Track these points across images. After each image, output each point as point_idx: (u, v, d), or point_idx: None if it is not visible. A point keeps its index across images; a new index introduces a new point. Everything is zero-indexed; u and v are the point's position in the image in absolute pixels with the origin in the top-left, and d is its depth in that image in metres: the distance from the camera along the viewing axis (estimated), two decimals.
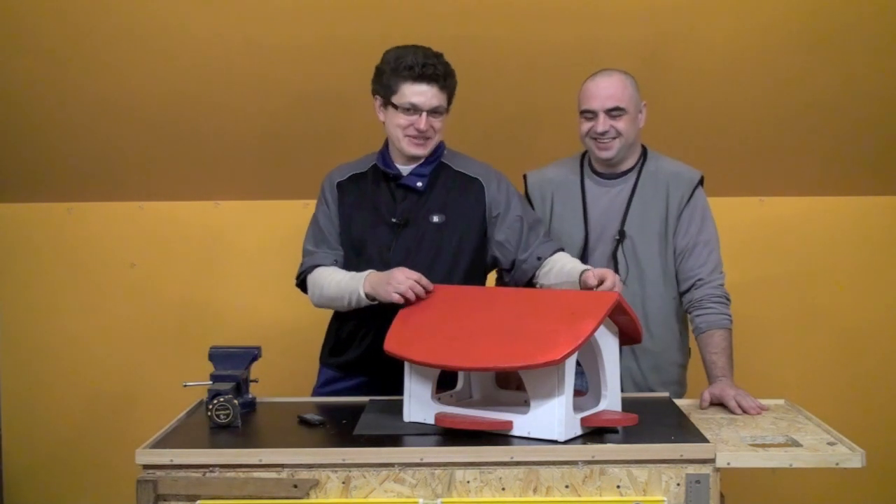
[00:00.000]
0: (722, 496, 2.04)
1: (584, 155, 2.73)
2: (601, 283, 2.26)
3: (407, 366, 2.18)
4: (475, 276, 2.61)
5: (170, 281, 3.67)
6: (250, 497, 1.99)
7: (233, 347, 2.42)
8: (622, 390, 2.55)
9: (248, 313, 3.66)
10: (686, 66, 3.17)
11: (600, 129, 2.57)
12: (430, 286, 2.34)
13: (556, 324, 2.03)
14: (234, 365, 2.37)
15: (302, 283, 2.63)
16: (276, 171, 3.54)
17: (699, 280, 2.60)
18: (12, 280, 3.68)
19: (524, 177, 2.79)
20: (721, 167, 3.37)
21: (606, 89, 2.56)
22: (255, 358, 2.43)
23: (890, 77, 3.20)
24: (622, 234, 2.62)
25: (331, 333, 2.69)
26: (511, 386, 2.43)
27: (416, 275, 2.33)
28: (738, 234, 3.46)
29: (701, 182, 2.67)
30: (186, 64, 3.14)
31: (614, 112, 2.56)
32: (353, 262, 2.58)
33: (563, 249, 2.57)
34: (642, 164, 2.68)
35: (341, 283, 2.48)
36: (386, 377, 2.46)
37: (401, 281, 2.32)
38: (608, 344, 2.13)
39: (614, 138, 2.59)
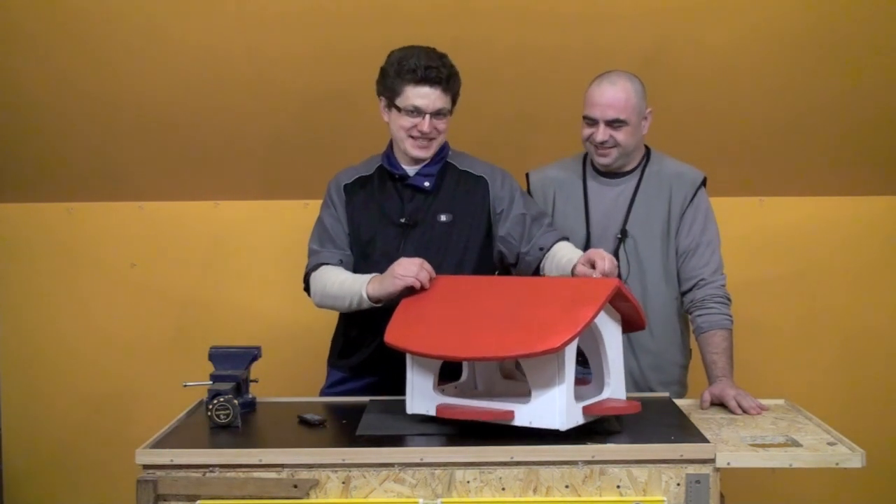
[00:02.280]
0: (722, 496, 2.04)
1: (586, 154, 2.73)
2: (593, 266, 2.25)
3: (409, 357, 2.18)
4: (484, 274, 2.61)
5: (170, 281, 3.67)
6: (250, 497, 1.99)
7: (233, 347, 2.42)
8: None
9: (248, 313, 3.65)
10: (687, 67, 3.17)
11: (599, 138, 2.57)
12: (433, 271, 2.33)
13: (555, 311, 2.02)
14: (234, 365, 2.38)
15: (308, 285, 2.62)
16: (276, 172, 3.54)
17: (701, 280, 2.60)
18: (12, 280, 3.68)
19: (527, 175, 2.79)
20: (721, 167, 3.36)
21: (609, 99, 2.55)
22: (255, 358, 2.43)
23: (890, 77, 3.20)
24: (624, 234, 2.62)
25: (339, 336, 2.69)
26: (516, 376, 2.43)
27: (419, 259, 2.32)
28: (737, 235, 3.46)
29: (703, 183, 2.67)
30: (187, 64, 3.14)
31: (615, 123, 2.56)
32: (361, 265, 2.58)
33: (566, 239, 2.57)
34: (645, 165, 2.68)
35: (344, 284, 2.48)
36: (395, 377, 2.44)
37: (407, 268, 2.30)
38: (610, 331, 2.13)
39: (613, 147, 2.59)
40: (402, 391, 2.27)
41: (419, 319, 2.19)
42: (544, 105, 3.29)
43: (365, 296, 2.40)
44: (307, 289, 2.62)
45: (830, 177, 3.56)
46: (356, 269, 2.57)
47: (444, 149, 2.62)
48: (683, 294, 2.65)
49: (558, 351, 1.96)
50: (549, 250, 2.54)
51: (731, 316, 2.58)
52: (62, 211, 3.65)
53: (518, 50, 3.12)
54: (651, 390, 2.63)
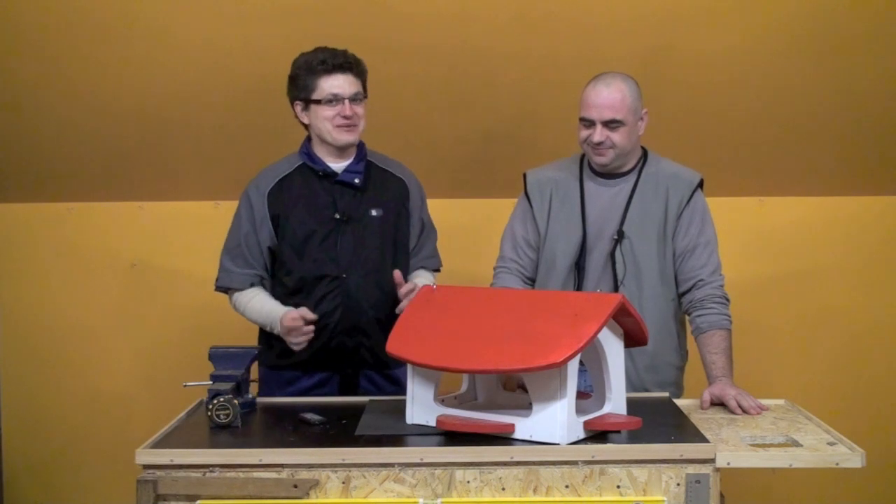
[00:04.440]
0: (722, 496, 2.04)
1: (583, 155, 2.73)
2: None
3: (409, 368, 2.18)
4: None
5: (170, 281, 3.67)
6: (250, 497, 1.99)
7: (233, 347, 2.42)
8: None
9: None
10: (687, 66, 3.17)
11: (596, 139, 2.57)
12: (310, 315, 2.50)
13: (558, 326, 2.02)
14: (234, 365, 2.38)
15: (219, 289, 2.73)
16: None
17: (700, 281, 2.60)
18: (13, 280, 3.68)
19: (524, 175, 2.79)
20: (721, 167, 3.37)
21: (605, 100, 2.55)
22: (255, 358, 2.43)
23: (889, 77, 3.20)
24: (621, 234, 2.62)
25: (272, 336, 2.67)
26: (516, 388, 2.43)
27: (295, 315, 2.49)
28: (737, 235, 3.46)
29: (700, 185, 2.67)
30: (187, 64, 3.14)
31: (612, 124, 2.55)
32: (296, 263, 2.63)
33: (438, 270, 2.84)
34: (642, 166, 2.68)
35: (262, 313, 2.61)
36: (350, 370, 2.61)
37: (286, 331, 2.51)
38: (612, 346, 2.13)
39: (610, 147, 2.59)
40: (356, 387, 2.40)
41: (421, 330, 2.19)
42: (542, 108, 3.29)
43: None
44: (220, 290, 2.72)
45: (830, 177, 3.56)
46: (292, 268, 2.63)
47: (362, 147, 2.71)
48: (682, 295, 2.65)
49: (561, 366, 1.96)
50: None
51: (729, 316, 2.58)
52: (62, 211, 3.65)
53: (515, 52, 3.13)
54: (646, 391, 2.62)
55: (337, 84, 2.57)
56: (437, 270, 2.85)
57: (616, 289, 2.59)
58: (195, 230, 3.66)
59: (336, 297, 2.62)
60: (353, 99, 2.59)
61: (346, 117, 2.58)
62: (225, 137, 3.39)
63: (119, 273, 3.67)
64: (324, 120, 2.60)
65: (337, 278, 2.63)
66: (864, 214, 3.64)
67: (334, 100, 2.58)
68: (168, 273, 3.67)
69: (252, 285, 2.65)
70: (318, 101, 2.59)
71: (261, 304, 2.62)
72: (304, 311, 2.52)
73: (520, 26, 3.05)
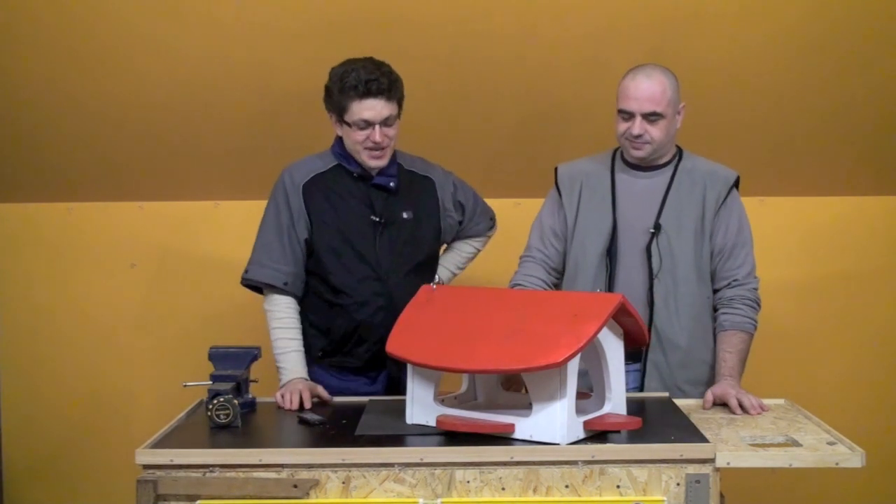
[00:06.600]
0: (722, 496, 2.04)
1: (615, 151, 2.71)
2: None
3: (409, 368, 2.18)
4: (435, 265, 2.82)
5: (170, 281, 3.67)
6: (250, 497, 1.99)
7: (233, 347, 2.42)
8: (645, 387, 2.53)
9: (248, 313, 3.65)
10: (688, 65, 3.16)
11: (636, 131, 2.53)
12: (312, 398, 2.46)
13: (558, 326, 2.03)
14: (234, 365, 2.38)
15: (248, 285, 2.68)
16: (276, 172, 3.52)
17: (734, 281, 2.58)
18: (12, 280, 3.68)
19: (555, 169, 2.76)
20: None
21: (646, 92, 2.51)
22: (255, 358, 2.43)
23: (890, 77, 3.19)
24: (658, 227, 2.60)
25: (315, 329, 2.68)
26: (516, 388, 2.43)
27: (305, 390, 2.44)
28: None
29: (737, 183, 2.66)
30: (187, 65, 3.14)
31: (651, 117, 2.52)
32: (333, 261, 2.62)
33: (492, 227, 2.94)
34: (678, 161, 2.66)
35: (277, 353, 2.59)
36: (399, 365, 2.51)
37: (285, 396, 2.44)
38: (612, 346, 2.13)
39: (647, 143, 2.55)
40: (400, 386, 2.32)
41: (421, 330, 2.19)
42: (545, 114, 3.31)
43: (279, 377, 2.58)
44: (248, 284, 2.68)
45: (831, 177, 3.56)
46: (328, 266, 2.61)
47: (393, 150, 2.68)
48: (715, 292, 2.62)
49: (560, 366, 1.96)
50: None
51: (755, 321, 2.56)
52: (62, 211, 3.65)
53: (517, 62, 3.14)
54: (678, 389, 2.57)
55: (368, 108, 2.50)
56: (491, 228, 2.92)
57: (651, 282, 2.56)
58: (195, 230, 3.66)
59: (380, 299, 2.61)
60: (384, 123, 2.53)
61: (375, 142, 2.53)
62: (225, 138, 3.39)
63: (119, 273, 3.67)
64: (354, 142, 2.56)
65: (379, 280, 2.62)
66: (865, 214, 3.63)
67: (365, 124, 2.52)
68: (168, 273, 3.67)
69: (285, 284, 2.60)
70: (349, 124, 2.54)
71: (284, 345, 2.58)
72: (321, 392, 2.49)
73: (518, 37, 3.06)
